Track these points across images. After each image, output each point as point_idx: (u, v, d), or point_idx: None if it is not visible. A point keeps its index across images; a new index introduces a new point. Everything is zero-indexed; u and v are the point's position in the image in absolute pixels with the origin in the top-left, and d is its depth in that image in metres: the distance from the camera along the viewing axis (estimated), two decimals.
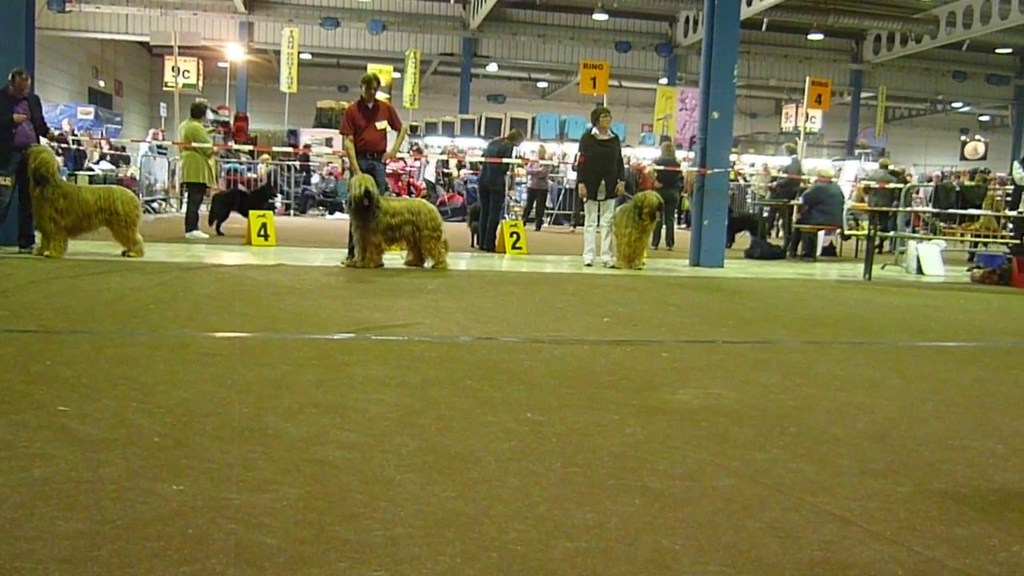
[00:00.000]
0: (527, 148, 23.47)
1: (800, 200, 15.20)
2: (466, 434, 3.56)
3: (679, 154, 19.36)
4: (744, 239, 16.18)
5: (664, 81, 33.26)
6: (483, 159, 14.36)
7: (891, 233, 14.48)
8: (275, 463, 3.10)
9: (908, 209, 15.94)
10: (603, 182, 11.19)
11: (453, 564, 2.38)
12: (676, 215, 18.37)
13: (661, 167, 16.29)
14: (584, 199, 11.57)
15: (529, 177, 21.05)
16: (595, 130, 11.45)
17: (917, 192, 21.43)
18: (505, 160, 13.93)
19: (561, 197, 23.32)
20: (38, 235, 9.71)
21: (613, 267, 11.19)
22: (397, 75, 30.22)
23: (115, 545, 2.39)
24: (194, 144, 13.22)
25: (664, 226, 16.08)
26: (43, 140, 10.31)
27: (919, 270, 13.08)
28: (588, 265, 11.33)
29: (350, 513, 2.69)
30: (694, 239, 12.50)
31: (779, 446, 3.60)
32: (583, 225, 12.26)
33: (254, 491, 2.82)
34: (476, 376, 4.62)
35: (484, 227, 13.58)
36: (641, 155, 25.95)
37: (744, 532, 2.67)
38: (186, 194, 14.76)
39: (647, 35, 34.55)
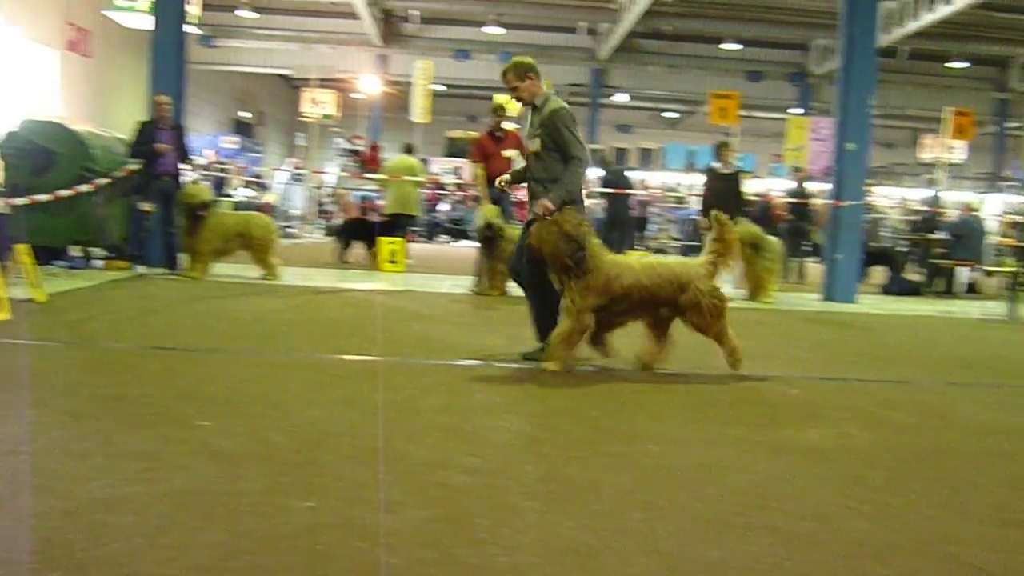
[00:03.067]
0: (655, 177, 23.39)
1: (943, 234, 14.57)
2: (588, 464, 3.56)
3: (811, 186, 18.87)
4: (879, 274, 15.62)
5: (796, 111, 32.56)
6: (605, 189, 14.28)
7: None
8: (401, 485, 3.17)
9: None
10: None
11: None
12: (807, 248, 17.87)
13: (792, 199, 15.91)
14: (703, 232, 11.42)
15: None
16: (717, 163, 11.32)
17: None
18: (624, 191, 13.74)
19: (689, 228, 23.04)
20: (182, 257, 10.22)
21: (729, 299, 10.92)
22: None
23: (250, 557, 2.49)
24: (405, 177, 13.67)
25: (795, 260, 15.68)
26: (184, 167, 10.82)
27: None
28: None
29: (473, 538, 2.72)
30: (826, 273, 12.15)
31: (914, 491, 3.45)
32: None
33: (382, 511, 2.89)
34: (599, 406, 4.61)
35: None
36: (770, 186, 25.43)
37: None
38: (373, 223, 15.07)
39: (779, 64, 33.90)
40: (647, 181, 24.25)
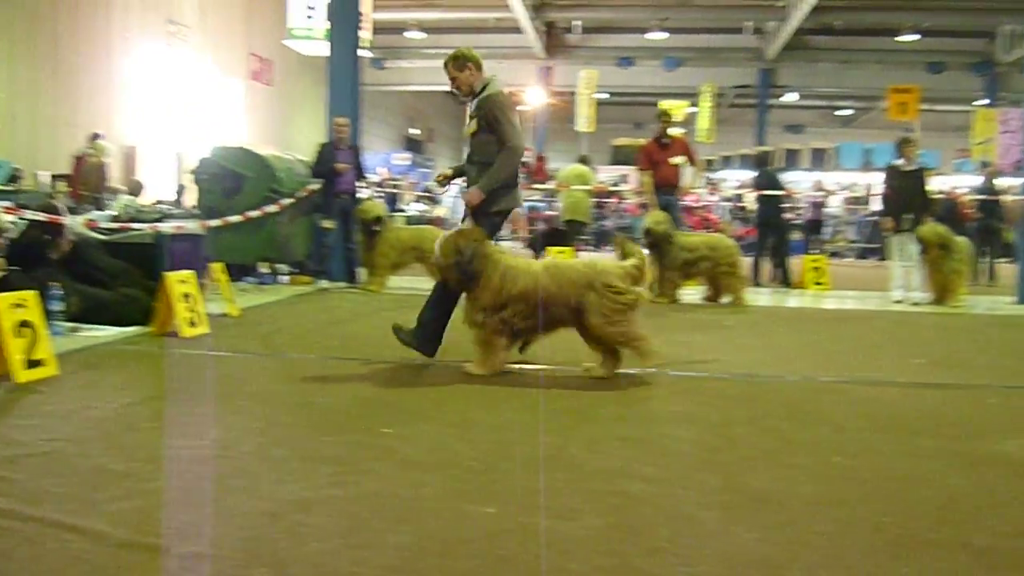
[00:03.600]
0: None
1: None
2: (770, 475, 3.48)
3: (1001, 181, 17.71)
4: None
5: (983, 102, 30.64)
6: (754, 191, 13.68)
7: None
8: (579, 493, 3.20)
9: None
10: (907, 215, 10.48)
11: None
12: (999, 248, 16.78)
13: (981, 196, 14.99)
14: (888, 233, 10.91)
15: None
16: (899, 160, 10.79)
17: None
18: (774, 192, 13.09)
19: (869, 230, 22.12)
20: (361, 271, 10.66)
21: (916, 304, 10.41)
22: (692, 109, 30.18)
23: (435, 560, 2.59)
24: (574, 187, 13.90)
25: (985, 260, 14.75)
26: (361, 185, 11.30)
27: None
28: (897, 301, 10.64)
29: (652, 547, 2.72)
30: (1020, 274, 11.37)
31: None
32: (887, 259, 11.52)
33: (560, 518, 2.93)
34: (779, 415, 4.50)
35: (776, 261, 12.93)
36: (956, 183, 24.05)
37: None
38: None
39: (962, 54, 31.99)
40: (822, 182, 23.37)
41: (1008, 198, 15.34)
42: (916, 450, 3.92)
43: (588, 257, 5.61)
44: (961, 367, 6.29)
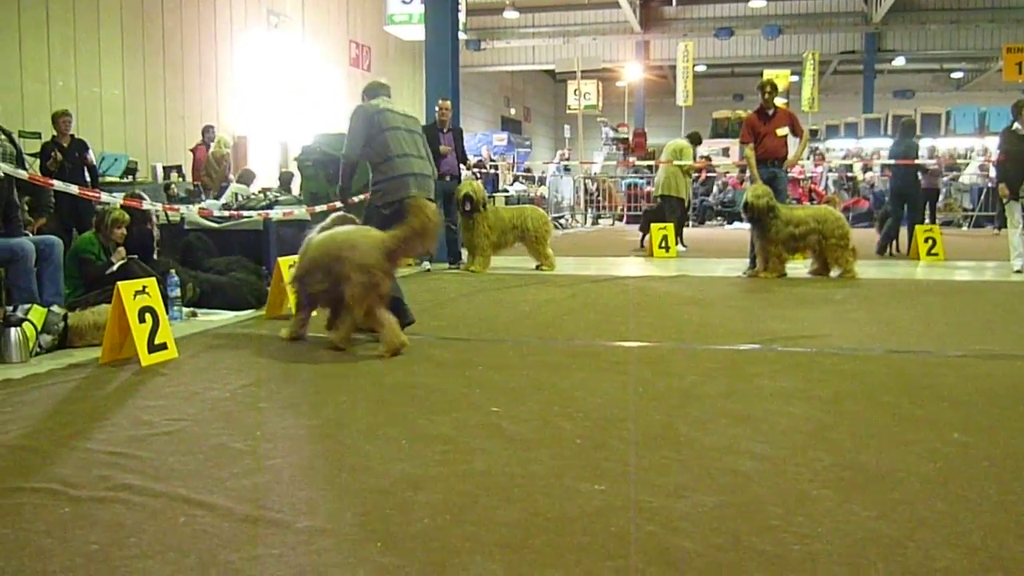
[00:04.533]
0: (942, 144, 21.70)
1: None
2: (885, 452, 3.39)
3: None
4: None
5: None
6: (891, 161, 13.46)
7: None
8: (689, 470, 3.18)
9: None
10: None
11: None
12: None
13: None
14: (1005, 200, 10.44)
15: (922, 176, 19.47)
16: (1017, 124, 10.29)
17: None
18: (915, 161, 12.93)
19: (983, 197, 21.20)
20: (464, 253, 10.78)
21: (1019, 271, 9.94)
22: (795, 78, 29.40)
23: (546, 536, 2.61)
24: (675, 162, 13.82)
25: None
26: (463, 168, 11.41)
27: None
28: (1018, 272, 10.18)
29: (765, 525, 2.68)
30: None
31: None
32: (1006, 228, 11.03)
33: (670, 496, 2.92)
34: (893, 391, 4.37)
35: (895, 232, 12.75)
36: None
37: None
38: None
39: None
40: (936, 148, 22.48)
41: None
42: None
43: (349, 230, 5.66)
44: None
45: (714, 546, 2.54)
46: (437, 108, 10.94)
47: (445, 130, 10.88)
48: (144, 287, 5.24)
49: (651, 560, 2.44)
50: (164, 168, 13.99)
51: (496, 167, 21.89)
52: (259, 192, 11.08)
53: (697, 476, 3.12)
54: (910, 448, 3.45)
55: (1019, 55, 15.40)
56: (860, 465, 3.24)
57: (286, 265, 6.81)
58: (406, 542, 2.57)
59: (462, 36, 17.94)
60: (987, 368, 4.98)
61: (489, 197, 15.18)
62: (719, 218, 23.11)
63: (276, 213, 8.56)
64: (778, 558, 2.46)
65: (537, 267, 10.65)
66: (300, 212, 8.80)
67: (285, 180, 14.70)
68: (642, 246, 13.78)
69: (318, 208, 9.34)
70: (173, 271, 6.93)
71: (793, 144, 10.38)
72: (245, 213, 8.41)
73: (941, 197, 19.67)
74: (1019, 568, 2.38)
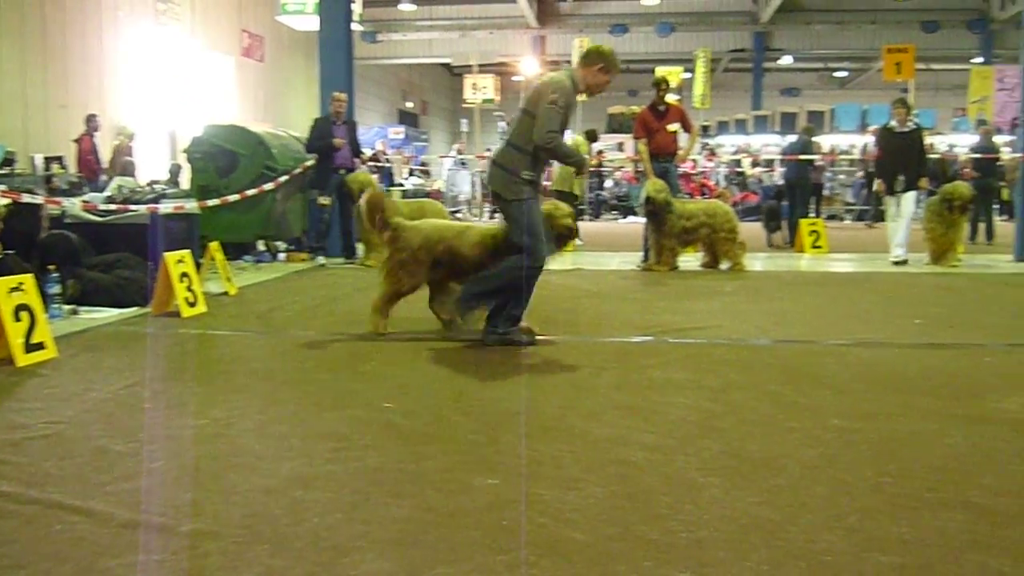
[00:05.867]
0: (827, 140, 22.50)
1: None
2: (769, 439, 3.49)
3: (998, 139, 17.64)
4: None
5: (978, 60, 30.48)
6: (783, 156, 14.04)
7: None
8: (581, 462, 3.21)
9: None
10: (900, 176, 10.46)
11: (760, 571, 2.35)
12: (995, 206, 16.75)
13: (978, 155, 14.95)
14: (881, 194, 10.90)
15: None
16: (892, 122, 10.74)
17: None
18: (805, 156, 13.51)
19: (864, 192, 22.07)
20: (360, 247, 10.65)
21: (902, 262, 10.41)
22: (687, 75, 30.01)
23: (438, 532, 2.60)
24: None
25: (982, 219, 14.73)
26: (357, 161, 11.27)
27: None
28: (895, 263, 10.62)
29: (654, 514, 2.73)
30: (1018, 232, 11.34)
31: None
32: (880, 221, 11.52)
33: (562, 488, 2.94)
34: (778, 380, 4.51)
35: (793, 224, 13.35)
36: (952, 142, 23.96)
37: None
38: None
39: (957, 11, 31.79)
40: (819, 144, 23.29)
41: (1005, 156, 15.29)
42: (915, 411, 3.93)
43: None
44: (959, 327, 6.30)
45: (604, 536, 2.57)
46: (331, 100, 10.77)
47: (339, 123, 10.72)
48: (20, 283, 5.01)
49: (543, 552, 2.46)
50: (45, 159, 13.39)
51: (389, 160, 21.68)
52: (146, 185, 10.73)
53: (588, 467, 3.15)
54: (793, 435, 3.56)
55: (898, 55, 16.04)
56: (746, 453, 3.32)
57: (174, 260, 6.61)
58: (295, 542, 2.52)
59: (357, 27, 17.71)
60: (867, 356, 5.18)
61: (385, 191, 15.04)
62: (614, 212, 23.43)
63: (166, 207, 8.28)
64: (666, 545, 2.50)
65: None
66: (191, 206, 8.54)
67: (174, 172, 14.27)
68: None
69: (209, 202, 9.10)
70: (52, 267, 6.64)
71: (684, 140, 10.60)
72: (132, 207, 8.12)
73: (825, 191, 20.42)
74: (894, 547, 2.48)
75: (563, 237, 5.93)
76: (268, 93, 22.83)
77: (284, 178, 10.45)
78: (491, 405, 4.02)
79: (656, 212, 9.63)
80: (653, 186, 9.70)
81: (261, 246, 11.03)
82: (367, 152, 13.24)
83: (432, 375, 4.67)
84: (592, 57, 5.63)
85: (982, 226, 14.81)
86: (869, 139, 16.38)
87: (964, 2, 32.03)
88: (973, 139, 18.82)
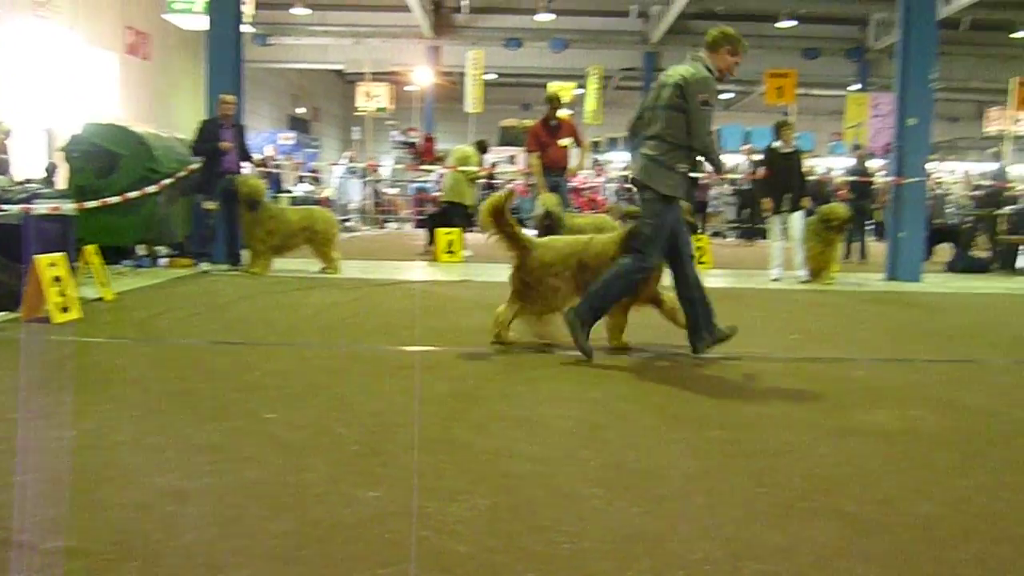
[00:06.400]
0: None
1: (1013, 209, 14.22)
2: (652, 450, 3.56)
3: (872, 163, 18.50)
4: (944, 251, 15.26)
5: (855, 87, 31.93)
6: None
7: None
8: (465, 474, 3.20)
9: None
10: (786, 195, 10.88)
11: None
12: (869, 227, 17.56)
13: (853, 177, 15.65)
14: (767, 213, 11.29)
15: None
16: (777, 143, 11.15)
17: None
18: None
19: (747, 210, 22.80)
20: (245, 254, 10.41)
21: (805, 281, 10.84)
22: (579, 91, 30.48)
23: (319, 546, 2.55)
24: (461, 168, 13.78)
25: (856, 239, 15.42)
26: (246, 165, 11.05)
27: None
28: (775, 280, 11.01)
29: (538, 525, 2.74)
30: (890, 252, 11.91)
31: (985, 473, 3.39)
32: (762, 240, 11.94)
33: (446, 500, 2.92)
34: (661, 392, 4.60)
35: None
36: (830, 165, 25.00)
37: (945, 564, 2.53)
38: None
39: (836, 40, 33.25)
40: (703, 164, 23.94)
41: (878, 179, 16.05)
42: (790, 422, 4.07)
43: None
44: (833, 342, 6.56)
45: (488, 548, 2.56)
46: (219, 102, 10.51)
47: (227, 126, 10.48)
48: None
49: (425, 565, 2.43)
50: None
51: (279, 166, 21.26)
52: (19, 183, 10.24)
53: (473, 479, 3.14)
54: (675, 446, 3.63)
55: (780, 80, 16.65)
56: (629, 464, 3.37)
57: (46, 264, 6.32)
58: (167, 559, 2.43)
59: (248, 29, 17.35)
60: (746, 369, 5.34)
61: (273, 197, 14.77)
62: None
63: (40, 207, 7.91)
64: (549, 557, 2.51)
65: (322, 270, 10.44)
66: (67, 207, 8.18)
67: (50, 171, 13.67)
68: (427, 251, 13.82)
69: (89, 204, 8.74)
70: None
71: (575, 154, 10.75)
72: (3, 206, 7.73)
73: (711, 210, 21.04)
74: (768, 555, 2.55)
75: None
76: (153, 93, 22.12)
77: (167, 181, 10.13)
78: (376, 416, 3.97)
79: (550, 225, 9.71)
80: (552, 200, 9.79)
81: (141, 251, 10.67)
82: (256, 157, 12.95)
83: (317, 385, 4.59)
84: (719, 40, 5.53)
85: (856, 246, 15.49)
86: (742, 159, 16.96)
87: (843, 32, 33.55)
88: (849, 162, 19.70)
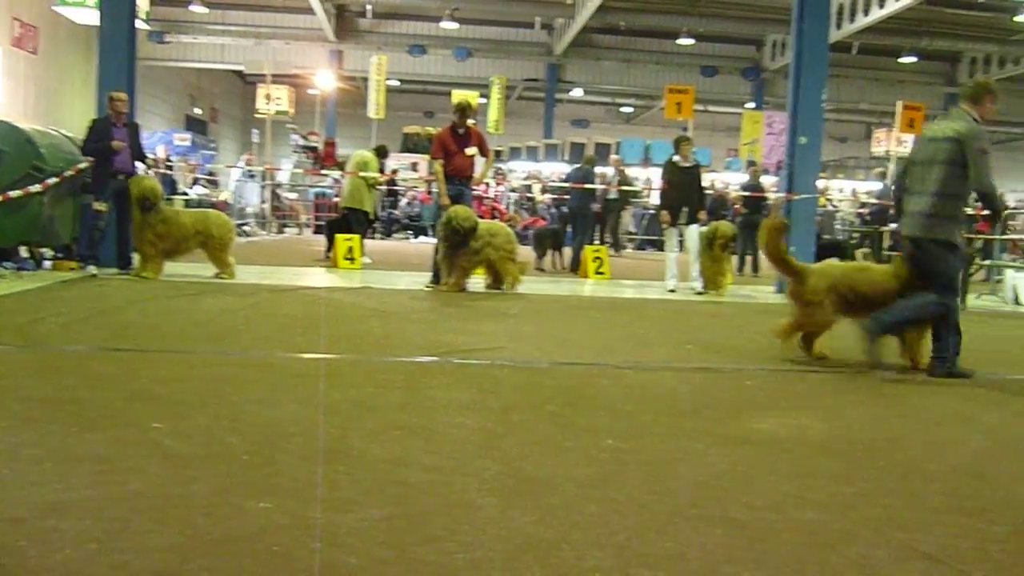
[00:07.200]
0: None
1: (894, 226, 14.85)
2: (546, 459, 3.57)
3: (766, 180, 19.08)
4: None
5: (751, 105, 32.92)
6: (567, 184, 14.55)
7: (987, 262, 13.97)
8: (359, 484, 3.16)
9: (1005, 237, 15.40)
10: (684, 208, 11.14)
11: None
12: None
13: (747, 193, 16.12)
14: (665, 226, 11.52)
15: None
16: (677, 157, 11.39)
17: (1013, 219, 20.70)
18: (588, 185, 14.11)
19: (645, 222, 23.24)
20: (136, 257, 10.08)
21: (700, 293, 11.10)
22: (482, 101, 30.61)
23: (204, 560, 2.47)
24: (360, 173, 13.56)
25: (749, 252, 15.87)
26: (140, 166, 10.72)
27: (1016, 300, 12.59)
28: (671, 291, 11.24)
29: (431, 535, 2.72)
30: None
31: (867, 480, 3.51)
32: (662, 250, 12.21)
33: (338, 511, 2.87)
34: (557, 401, 4.63)
35: (576, 250, 13.92)
36: (727, 180, 25.68)
37: (828, 567, 2.61)
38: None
39: (733, 59, 34.29)
40: (604, 175, 24.32)
41: (771, 195, 16.55)
42: (681, 431, 4.15)
43: None
44: (725, 352, 6.73)
45: (380, 559, 2.53)
46: (110, 100, 10.15)
47: (120, 124, 10.13)
48: None
49: None
50: None
51: (172, 167, 20.66)
52: None
53: (367, 489, 3.10)
54: (570, 455, 3.65)
55: (679, 96, 16.97)
56: (524, 473, 3.38)
57: None
58: None
59: (143, 25, 16.85)
60: (641, 379, 5.42)
61: (167, 200, 14.36)
62: (407, 231, 23.46)
63: None
64: (442, 567, 2.50)
65: (216, 275, 10.19)
66: None
67: None
68: (327, 257, 13.65)
69: None
70: None
71: (480, 164, 10.76)
72: None
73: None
74: (659, 562, 2.59)
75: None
76: (40, 88, 21.25)
77: (53, 180, 9.73)
78: (268, 425, 3.88)
79: (461, 235, 9.67)
80: (464, 212, 9.77)
81: (24, 252, 10.22)
82: (151, 158, 12.58)
83: (207, 393, 4.47)
84: (980, 93, 6.10)
85: (749, 259, 15.95)
86: (610, 170, 17.34)
87: (740, 51, 34.57)
88: (744, 178, 20.26)
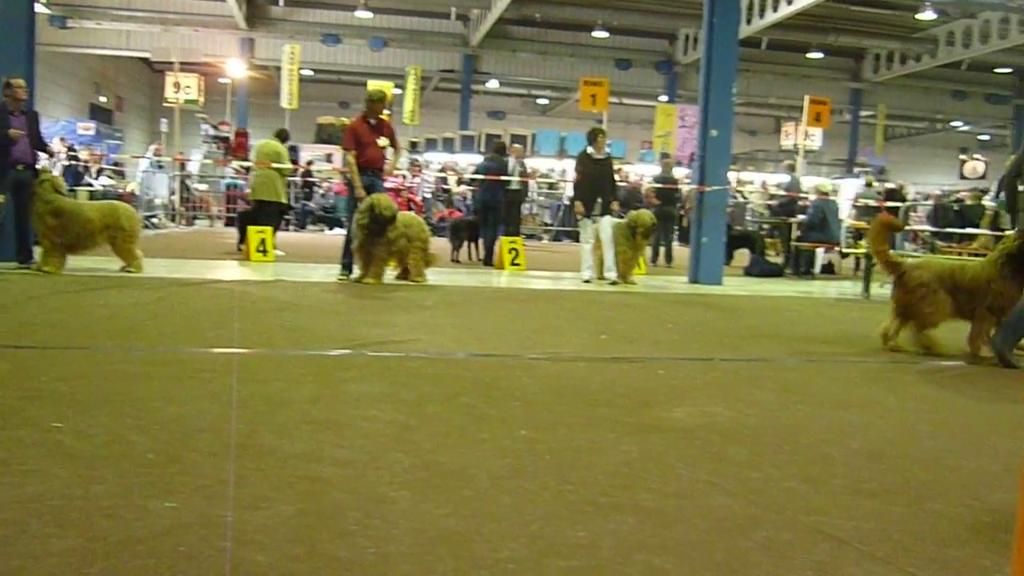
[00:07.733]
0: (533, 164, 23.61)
1: (804, 217, 15.26)
2: (460, 451, 3.56)
3: (678, 171, 19.38)
4: (743, 256, 16.20)
5: (664, 98, 33.41)
6: (480, 176, 14.50)
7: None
8: (269, 480, 3.10)
9: (906, 228, 15.94)
10: (598, 200, 11.25)
11: None
12: (675, 232, 18.41)
13: (660, 184, 16.35)
14: (580, 217, 11.62)
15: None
16: (591, 149, 11.49)
17: (916, 210, 21.48)
18: (503, 177, 14.09)
19: (561, 213, 23.40)
20: (37, 250, 9.73)
21: (615, 283, 11.22)
22: (398, 91, 30.37)
23: (106, 563, 2.39)
24: (273, 164, 13.25)
25: (663, 243, 16.11)
26: (41, 156, 10.34)
27: None
28: (586, 282, 11.34)
29: (342, 530, 2.68)
30: (693, 256, 12.52)
31: (773, 465, 3.59)
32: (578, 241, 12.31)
33: (247, 508, 2.82)
34: (471, 393, 4.62)
35: (488, 242, 13.86)
36: (640, 172, 26.02)
37: (737, 551, 2.66)
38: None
39: (647, 52, 34.73)
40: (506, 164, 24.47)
41: (684, 187, 16.83)
42: (595, 420, 4.18)
43: None
44: (638, 342, 6.81)
45: (289, 556, 2.48)
46: (5, 86, 9.75)
47: (17, 112, 9.75)
48: None
49: None
50: None
51: (77, 158, 19.96)
52: None
53: (276, 486, 3.05)
54: (483, 446, 3.65)
55: (594, 88, 17.11)
56: (437, 465, 3.36)
57: None
58: None
59: (43, 9, 16.22)
60: (555, 369, 5.45)
61: (71, 191, 13.91)
62: (320, 224, 23.16)
63: None
64: (352, 563, 2.47)
65: (123, 268, 9.90)
66: None
67: None
68: (239, 249, 13.39)
69: None
70: None
71: (390, 155, 10.68)
72: None
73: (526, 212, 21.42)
74: (572, 551, 2.60)
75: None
76: None
77: None
78: (175, 422, 3.78)
79: (382, 222, 9.56)
80: (386, 201, 9.67)
81: None
82: (52, 148, 12.13)
83: (111, 391, 4.33)
84: None
85: (663, 250, 16.20)
86: (566, 163, 17.48)
87: (653, 45, 35.03)
88: (657, 170, 20.56)
